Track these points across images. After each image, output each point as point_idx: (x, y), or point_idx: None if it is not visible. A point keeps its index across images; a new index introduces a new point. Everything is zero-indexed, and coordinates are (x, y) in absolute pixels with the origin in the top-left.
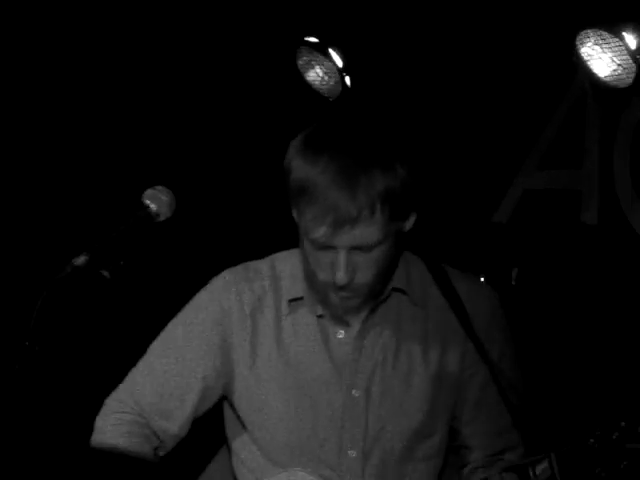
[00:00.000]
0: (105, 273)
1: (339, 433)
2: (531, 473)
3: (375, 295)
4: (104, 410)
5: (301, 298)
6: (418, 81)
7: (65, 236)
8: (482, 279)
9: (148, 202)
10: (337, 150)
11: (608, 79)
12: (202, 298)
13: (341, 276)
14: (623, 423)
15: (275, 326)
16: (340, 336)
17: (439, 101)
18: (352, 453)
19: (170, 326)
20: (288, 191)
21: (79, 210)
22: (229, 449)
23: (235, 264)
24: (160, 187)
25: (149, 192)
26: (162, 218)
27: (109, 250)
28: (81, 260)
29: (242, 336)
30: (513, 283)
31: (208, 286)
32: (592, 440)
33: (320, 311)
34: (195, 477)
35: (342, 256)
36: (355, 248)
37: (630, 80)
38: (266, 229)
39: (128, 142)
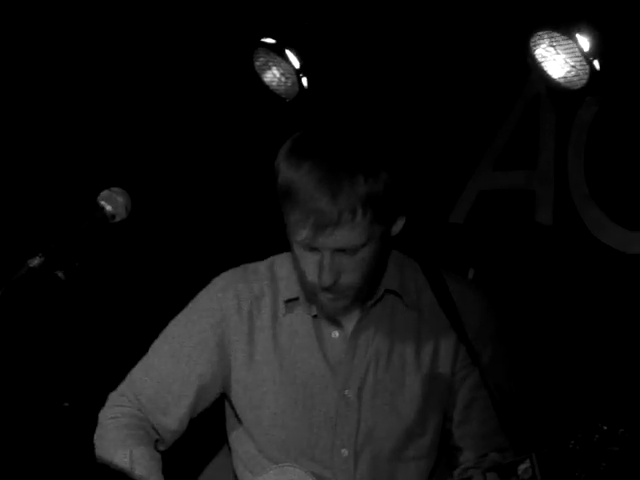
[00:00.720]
0: (60, 274)
1: (332, 432)
2: (513, 473)
3: (364, 297)
4: (107, 404)
5: (297, 299)
6: (373, 82)
7: (20, 237)
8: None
9: (104, 203)
10: (321, 155)
11: (562, 80)
12: (202, 298)
13: (325, 277)
14: (604, 426)
15: (272, 326)
16: (334, 336)
17: (394, 102)
18: (344, 452)
19: (171, 325)
20: (277, 193)
21: (34, 211)
22: (229, 444)
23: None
24: (116, 188)
25: (105, 193)
26: (118, 219)
27: (64, 251)
28: (36, 261)
29: (240, 336)
30: None
31: (209, 286)
32: (573, 442)
33: (315, 311)
34: (199, 472)
35: (326, 258)
36: (339, 250)
37: (584, 81)
38: (224, 231)
39: (84, 142)
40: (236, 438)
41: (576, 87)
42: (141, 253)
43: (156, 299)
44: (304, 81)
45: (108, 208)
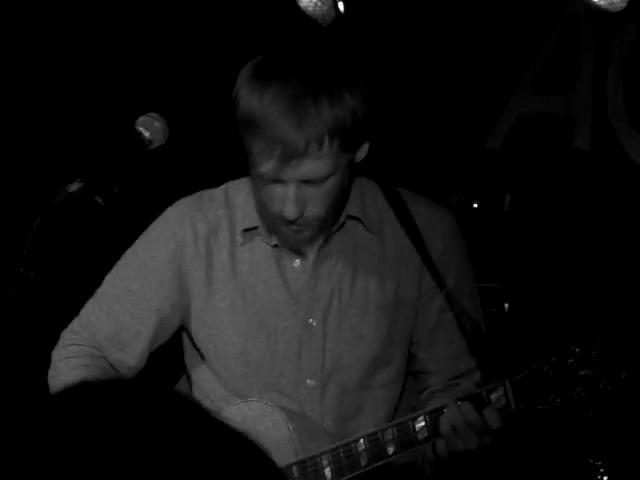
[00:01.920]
0: (99, 200)
1: (296, 363)
2: (486, 401)
3: (327, 226)
4: (60, 343)
5: (255, 228)
6: (411, 6)
7: (58, 162)
8: (475, 205)
9: (141, 129)
10: (285, 81)
11: (602, 3)
12: (156, 229)
13: (291, 210)
14: (577, 349)
15: (230, 256)
16: (296, 265)
17: (433, 26)
18: (310, 382)
19: (124, 257)
20: (237, 122)
21: (72, 136)
22: (189, 379)
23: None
24: (153, 114)
25: (142, 119)
26: (155, 145)
27: (103, 177)
28: (75, 187)
29: (197, 266)
30: (506, 209)
31: (161, 216)
32: (547, 367)
33: (275, 241)
34: None
35: (291, 190)
36: (305, 182)
37: (624, 4)
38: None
39: (122, 68)
40: (197, 372)
41: (616, 10)
42: (179, 180)
43: None
44: (340, 5)
45: (146, 134)
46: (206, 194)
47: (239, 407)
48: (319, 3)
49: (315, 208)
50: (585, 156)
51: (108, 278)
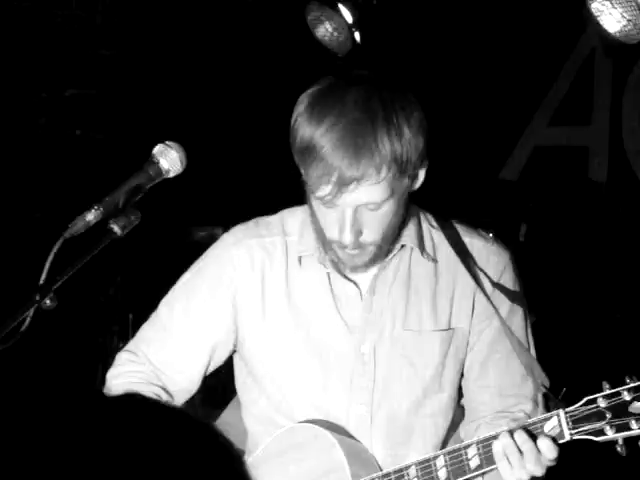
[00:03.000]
0: (115, 228)
1: (348, 389)
2: (540, 430)
3: (383, 252)
4: (115, 362)
5: (311, 255)
6: (426, 37)
7: (76, 191)
8: (491, 235)
9: (158, 158)
10: (343, 110)
11: (618, 35)
12: (213, 254)
13: (347, 235)
14: (632, 381)
15: (285, 282)
16: (350, 293)
17: (448, 56)
18: (360, 409)
19: (180, 282)
20: (293, 148)
21: (89, 164)
22: (240, 402)
23: (245, 219)
24: (170, 142)
25: (159, 148)
26: (173, 174)
27: (120, 205)
28: (92, 215)
29: (252, 292)
30: (521, 239)
31: (218, 242)
32: (601, 398)
33: (330, 267)
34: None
35: (348, 215)
36: (361, 206)
37: None
38: (276, 184)
39: (140, 96)
40: (248, 395)
41: (633, 41)
42: (195, 207)
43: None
44: (357, 36)
45: (163, 163)
46: (262, 221)
47: (291, 430)
48: (335, 33)
49: (371, 233)
50: (601, 188)
51: (163, 301)
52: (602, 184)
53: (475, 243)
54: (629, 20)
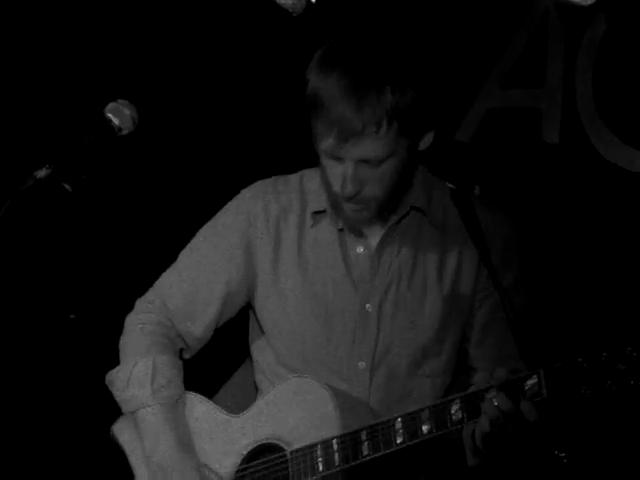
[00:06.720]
0: (67, 186)
1: (350, 345)
2: (520, 390)
3: (388, 210)
4: (134, 309)
5: (324, 211)
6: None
7: (27, 149)
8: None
9: (110, 116)
10: (350, 64)
11: None
12: (230, 207)
13: (348, 187)
14: (612, 344)
15: (298, 237)
16: (359, 251)
17: (402, 17)
18: (361, 365)
19: (199, 234)
20: (305, 101)
21: (42, 123)
22: (251, 356)
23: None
24: (122, 101)
25: (111, 105)
26: (125, 132)
27: (71, 163)
28: (43, 172)
29: (266, 245)
30: None
31: (238, 196)
32: (580, 359)
33: (341, 224)
34: (219, 385)
35: (349, 168)
36: (362, 161)
37: None
38: (222, 151)
39: (92, 54)
40: (257, 347)
41: (586, 3)
42: (150, 166)
43: (163, 214)
44: None
45: (115, 121)
46: (282, 178)
47: (290, 382)
48: None
49: (372, 189)
50: (553, 149)
51: (183, 253)
52: (555, 145)
53: (485, 215)
54: None
